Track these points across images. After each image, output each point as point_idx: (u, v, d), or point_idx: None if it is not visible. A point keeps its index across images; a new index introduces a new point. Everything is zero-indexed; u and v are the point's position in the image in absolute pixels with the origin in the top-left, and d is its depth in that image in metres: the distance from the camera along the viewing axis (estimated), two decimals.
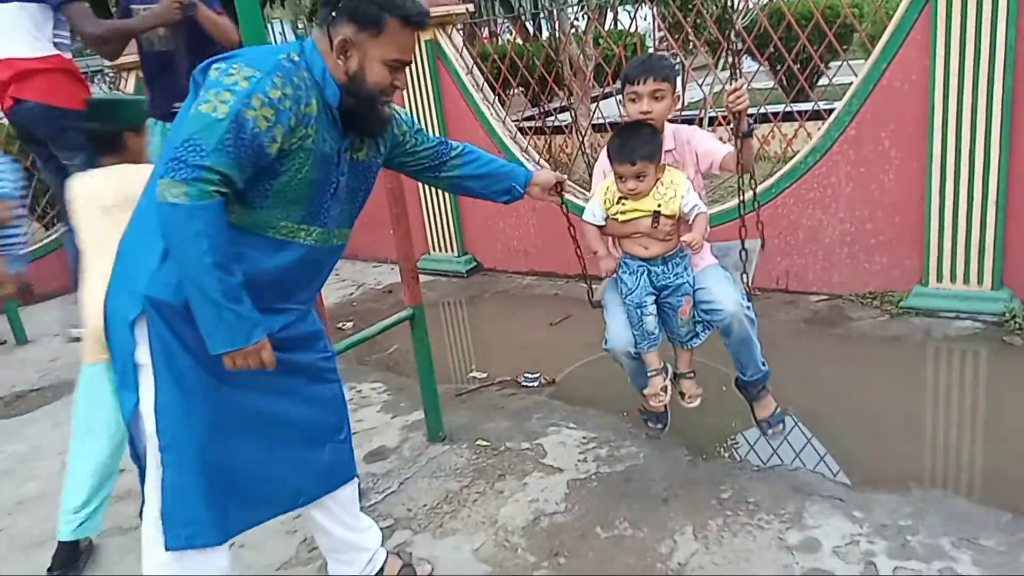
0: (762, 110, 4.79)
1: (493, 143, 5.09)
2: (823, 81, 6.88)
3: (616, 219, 2.52)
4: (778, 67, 6.28)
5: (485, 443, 3.17)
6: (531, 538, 2.54)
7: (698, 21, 7.61)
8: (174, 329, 1.73)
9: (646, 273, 2.52)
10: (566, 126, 7.45)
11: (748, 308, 2.52)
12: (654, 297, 2.55)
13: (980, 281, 3.69)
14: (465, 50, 5.20)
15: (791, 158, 4.24)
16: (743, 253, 2.59)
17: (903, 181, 3.82)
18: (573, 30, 7.68)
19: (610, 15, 10.73)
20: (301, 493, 2.02)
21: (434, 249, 5.69)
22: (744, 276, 2.63)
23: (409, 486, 2.93)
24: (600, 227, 2.57)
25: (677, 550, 2.39)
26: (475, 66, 5.19)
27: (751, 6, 5.35)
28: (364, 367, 4.17)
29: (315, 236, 1.87)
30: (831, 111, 4.02)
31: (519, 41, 10.84)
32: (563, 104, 8.00)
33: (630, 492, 2.73)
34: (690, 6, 6.73)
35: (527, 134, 5.50)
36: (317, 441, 2.03)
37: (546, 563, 2.41)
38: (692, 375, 2.76)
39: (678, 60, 9.05)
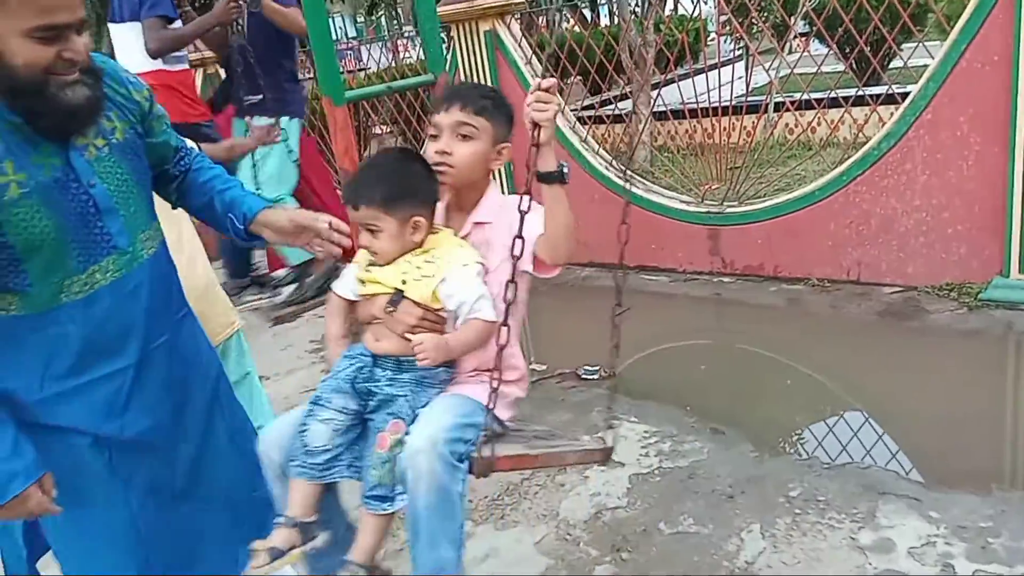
0: (832, 94, 4.65)
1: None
2: (895, 64, 6.64)
3: (360, 289, 1.76)
4: (847, 50, 6.08)
5: None
6: (593, 532, 2.52)
7: (763, 3, 7.42)
8: None
9: (359, 366, 1.69)
10: (626, 114, 7.37)
11: (453, 466, 1.55)
12: (348, 400, 1.67)
13: None
14: (524, 40, 5.17)
15: (863, 144, 4.09)
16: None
17: (983, 168, 3.65)
18: (634, 16, 7.57)
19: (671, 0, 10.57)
20: None
21: None
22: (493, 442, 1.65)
23: (470, 478, 2.93)
24: (351, 302, 1.82)
25: (744, 548, 2.34)
26: (534, 56, 5.16)
27: None
28: None
29: (115, 267, 1.52)
30: (905, 95, 3.87)
31: (577, 29, 10.75)
32: (623, 92, 7.91)
33: (694, 488, 2.68)
34: None
35: (586, 123, 5.44)
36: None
37: (608, 558, 2.39)
38: (362, 573, 1.61)
39: (742, 44, 8.89)
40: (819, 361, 3.59)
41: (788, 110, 4.74)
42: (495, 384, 1.62)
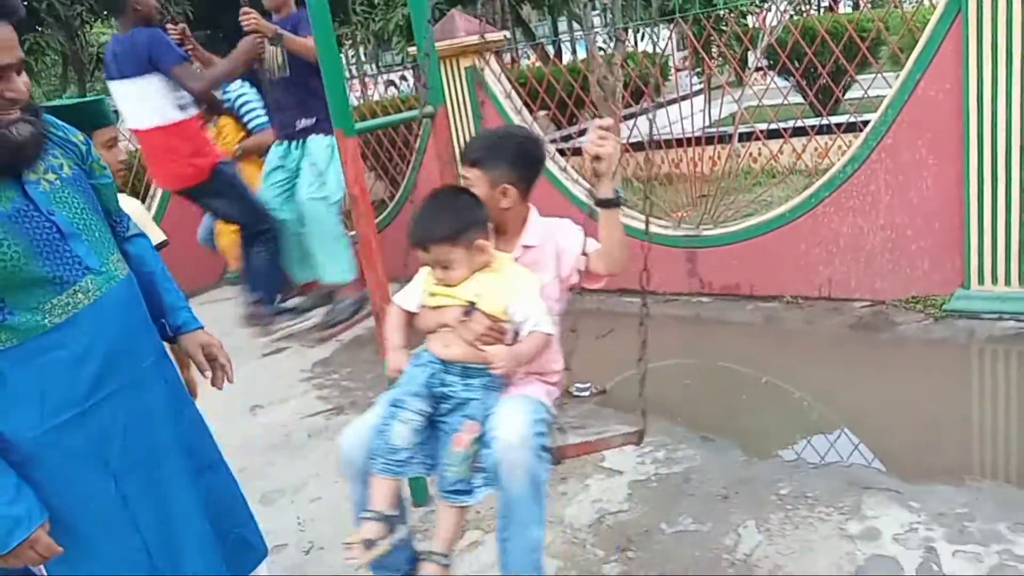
0: (796, 123, 4.92)
1: None
2: (852, 95, 7.01)
3: (426, 304, 1.93)
4: (805, 83, 6.42)
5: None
6: (598, 535, 2.65)
7: (726, 40, 7.77)
8: None
9: (430, 373, 1.84)
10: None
11: (540, 458, 1.78)
12: (423, 403, 1.83)
13: (1021, 282, 3.76)
14: (503, 75, 5.39)
15: (825, 171, 4.35)
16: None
17: (941, 187, 3.91)
18: (601, 52, 7.87)
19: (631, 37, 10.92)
20: None
21: None
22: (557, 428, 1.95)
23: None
24: (412, 314, 1.99)
25: (741, 542, 2.49)
26: (512, 90, 5.38)
27: (779, 23, 5.50)
28: None
29: (94, 287, 1.57)
30: (865, 123, 4.14)
31: (538, 65, 11.05)
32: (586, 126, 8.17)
33: (690, 491, 2.83)
34: (720, 27, 6.89)
35: (565, 154, 5.66)
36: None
37: (615, 557, 2.52)
38: (445, 561, 1.81)
39: (703, 79, 9.25)
40: (798, 373, 3.78)
41: (758, 139, 5.00)
42: (552, 382, 1.96)
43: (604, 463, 3.10)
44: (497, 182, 1.93)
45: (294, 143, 4.25)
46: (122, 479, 1.62)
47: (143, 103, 3.81)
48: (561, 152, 6.41)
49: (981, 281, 3.86)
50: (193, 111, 3.99)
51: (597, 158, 1.80)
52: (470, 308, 1.83)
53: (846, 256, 4.28)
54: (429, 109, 2.92)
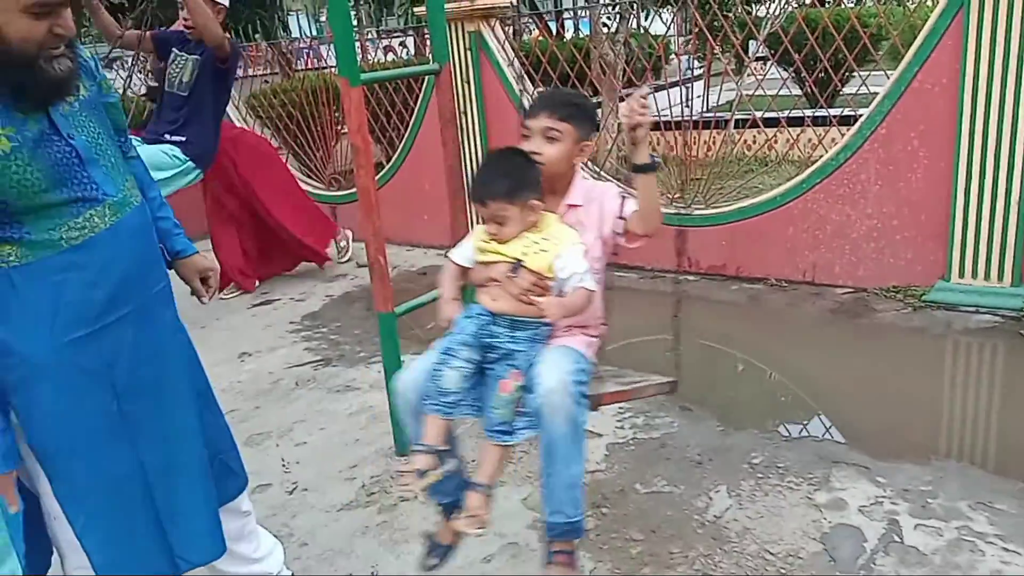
0: (791, 113, 4.97)
1: None
2: (848, 89, 7.07)
3: (477, 259, 2.06)
4: (803, 75, 6.47)
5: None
6: None
7: (716, 24, 7.80)
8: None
9: (480, 324, 1.99)
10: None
11: (579, 404, 1.93)
12: (472, 352, 1.97)
13: (1000, 278, 3.86)
14: (507, 42, 5.40)
15: (816, 161, 4.41)
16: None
17: (930, 180, 3.99)
18: (605, 29, 7.87)
19: (635, 18, 10.89)
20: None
21: None
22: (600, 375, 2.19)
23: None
24: (465, 269, 2.14)
25: (712, 505, 2.58)
26: (515, 59, 5.39)
27: (780, 12, 5.53)
28: (405, 340, 4.35)
29: (111, 212, 1.62)
30: (857, 118, 4.20)
31: (542, 38, 11.02)
32: (594, 102, 8.19)
33: (666, 455, 2.92)
34: (726, 11, 6.92)
35: None
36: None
37: (590, 512, 2.60)
38: (488, 492, 1.99)
39: (702, 65, 9.27)
40: (777, 352, 3.87)
41: (755, 125, 5.05)
42: (594, 335, 2.16)
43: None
44: (581, 139, 2.06)
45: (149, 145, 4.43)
46: (125, 399, 1.68)
47: None
48: None
49: (962, 274, 3.95)
50: None
51: (636, 127, 1.89)
52: (517, 265, 1.95)
53: (832, 243, 4.36)
54: (434, 67, 2.95)
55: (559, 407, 1.87)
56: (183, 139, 4.37)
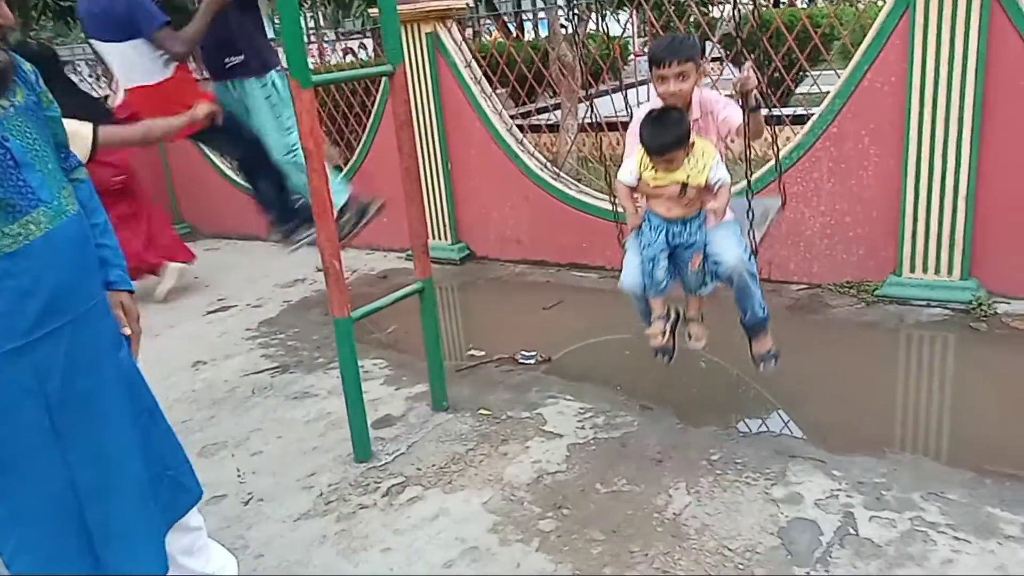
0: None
1: (491, 136, 5.28)
2: (802, 89, 7.19)
3: (647, 183, 2.79)
4: (756, 74, 6.57)
5: (487, 412, 3.35)
6: (535, 493, 2.72)
7: (671, 25, 7.87)
8: None
9: (664, 232, 2.80)
10: (550, 125, 7.66)
11: (750, 263, 2.85)
12: (667, 252, 2.83)
13: (950, 272, 3.94)
14: (464, 44, 5.38)
15: (768, 160, 4.46)
16: (751, 213, 2.89)
17: (881, 177, 4.06)
18: (563, 30, 7.89)
19: (592, 19, 10.94)
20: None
21: (430, 237, 5.85)
22: (752, 234, 2.95)
23: (417, 449, 3.10)
24: (632, 187, 2.86)
25: (672, 503, 2.59)
26: (473, 60, 5.37)
27: (739, 14, 5.57)
28: (365, 345, 4.32)
29: (45, 219, 1.57)
30: (811, 117, 4.26)
31: (501, 40, 11.03)
32: (551, 103, 8.22)
33: (626, 454, 2.92)
34: (682, 13, 6.98)
35: (523, 130, 5.69)
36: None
37: (551, 514, 2.59)
38: (700, 319, 3.16)
39: None
40: (734, 348, 3.87)
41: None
42: (751, 216, 2.89)
43: (545, 427, 3.18)
44: (698, 68, 2.74)
45: (231, 84, 4.10)
46: (57, 415, 1.62)
47: (129, 67, 3.67)
48: (520, 128, 6.46)
49: (913, 269, 4.03)
50: (168, 72, 3.85)
51: (748, 91, 2.62)
52: (684, 186, 2.69)
53: (787, 240, 4.41)
54: (387, 68, 2.92)
55: (742, 270, 2.77)
56: (240, 57, 3.94)
